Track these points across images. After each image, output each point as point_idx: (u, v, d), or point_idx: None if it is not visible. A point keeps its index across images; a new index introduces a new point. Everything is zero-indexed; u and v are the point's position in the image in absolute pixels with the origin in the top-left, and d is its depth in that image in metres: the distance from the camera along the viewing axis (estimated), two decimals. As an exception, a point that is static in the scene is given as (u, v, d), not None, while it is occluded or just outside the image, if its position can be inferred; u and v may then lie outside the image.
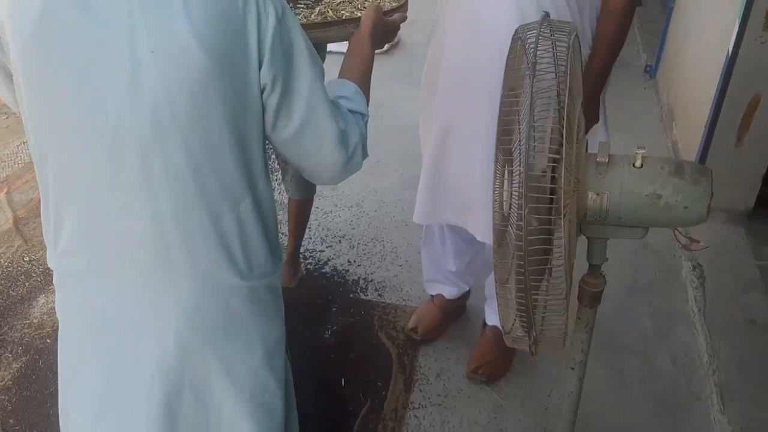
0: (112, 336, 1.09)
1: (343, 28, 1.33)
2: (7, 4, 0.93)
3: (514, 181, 1.09)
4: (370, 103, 1.21)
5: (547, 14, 1.27)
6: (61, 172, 1.01)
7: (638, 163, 1.23)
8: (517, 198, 1.08)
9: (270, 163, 2.40)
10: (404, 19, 1.44)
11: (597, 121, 1.81)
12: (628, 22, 1.69)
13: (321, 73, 1.07)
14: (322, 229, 2.99)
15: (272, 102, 1.01)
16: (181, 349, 1.08)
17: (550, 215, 1.10)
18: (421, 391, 2.17)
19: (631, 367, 2.28)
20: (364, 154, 1.14)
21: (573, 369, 1.53)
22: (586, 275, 1.42)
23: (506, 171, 1.19)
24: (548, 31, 1.19)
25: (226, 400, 1.13)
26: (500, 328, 1.27)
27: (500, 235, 1.22)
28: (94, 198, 1.00)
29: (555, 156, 1.04)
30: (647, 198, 1.22)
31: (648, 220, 1.25)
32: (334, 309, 2.50)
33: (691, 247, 1.34)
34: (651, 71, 4.36)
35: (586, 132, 1.80)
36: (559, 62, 1.09)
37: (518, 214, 1.07)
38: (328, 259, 2.79)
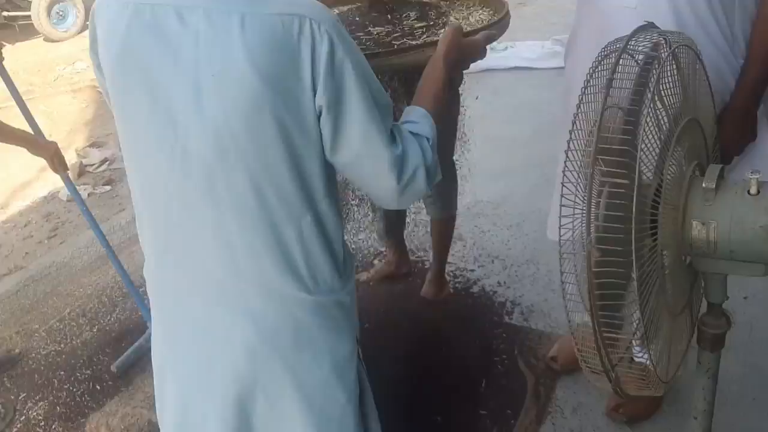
0: (188, 343, 1.17)
1: (421, 52, 1.31)
2: (100, 32, 1.06)
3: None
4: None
5: (649, 24, 1.15)
6: (142, 184, 1.12)
7: (753, 190, 1.07)
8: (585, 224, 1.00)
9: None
10: (491, 37, 1.37)
11: (753, 138, 1.59)
12: None
13: (378, 106, 1.05)
14: (477, 248, 2.95)
15: (328, 128, 1.04)
16: (250, 357, 1.13)
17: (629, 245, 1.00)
18: (553, 424, 2.05)
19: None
20: (429, 178, 1.11)
21: (696, 419, 1.36)
22: (704, 315, 1.26)
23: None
24: (643, 44, 1.09)
25: (298, 411, 1.17)
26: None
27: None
28: (168, 210, 1.09)
29: (619, 180, 0.94)
30: (762, 230, 1.05)
31: (765, 255, 1.08)
32: (475, 330, 2.46)
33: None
34: None
35: (738, 152, 1.60)
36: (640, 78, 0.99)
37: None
38: (478, 279, 2.75)
